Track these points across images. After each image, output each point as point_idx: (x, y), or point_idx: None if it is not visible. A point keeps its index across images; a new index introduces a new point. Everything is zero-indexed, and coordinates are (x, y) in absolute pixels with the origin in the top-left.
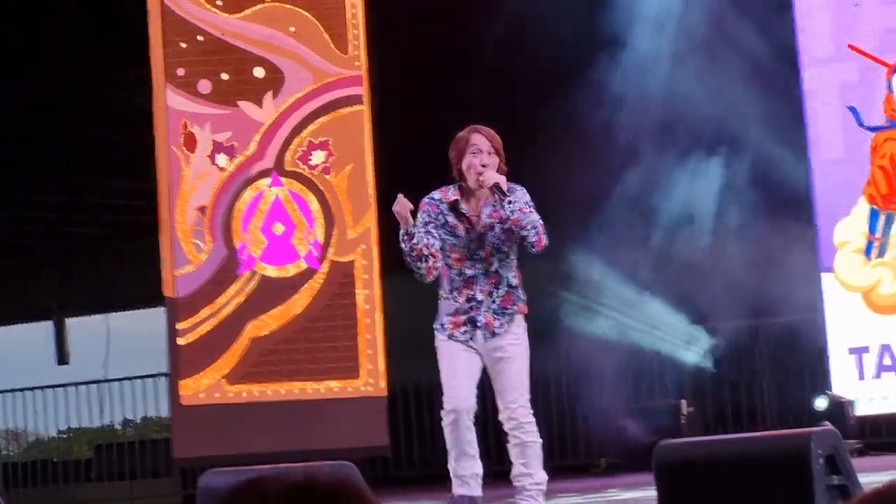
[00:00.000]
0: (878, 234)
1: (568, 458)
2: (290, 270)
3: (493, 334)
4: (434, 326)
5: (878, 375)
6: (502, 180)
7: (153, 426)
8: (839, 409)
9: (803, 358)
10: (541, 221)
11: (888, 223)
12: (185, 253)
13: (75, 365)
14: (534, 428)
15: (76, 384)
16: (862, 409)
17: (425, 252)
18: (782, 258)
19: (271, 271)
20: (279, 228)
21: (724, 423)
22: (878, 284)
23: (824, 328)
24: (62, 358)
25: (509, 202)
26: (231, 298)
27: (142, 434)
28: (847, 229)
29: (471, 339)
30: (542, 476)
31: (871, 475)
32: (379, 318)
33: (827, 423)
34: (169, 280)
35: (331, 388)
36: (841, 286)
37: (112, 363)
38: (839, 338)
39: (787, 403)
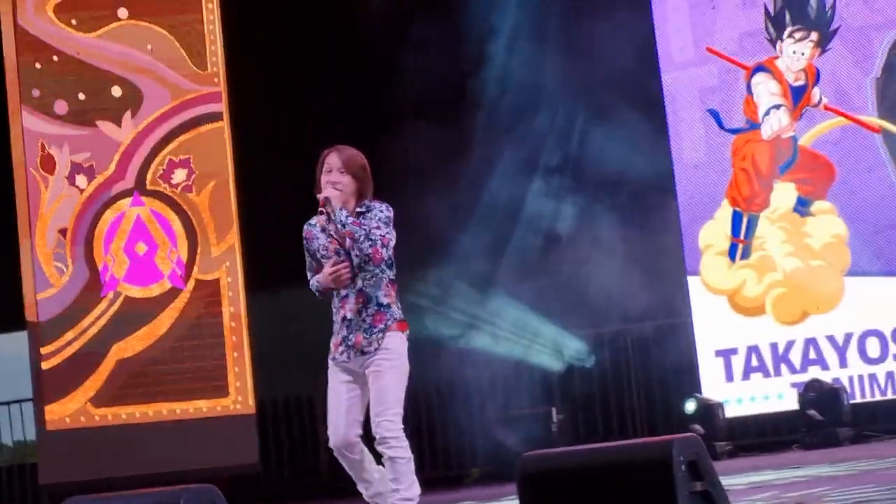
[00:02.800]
0: (741, 237)
1: (440, 468)
2: (155, 290)
3: (362, 353)
4: None
5: (746, 377)
6: (335, 196)
7: (26, 451)
8: (708, 412)
9: (672, 362)
10: (387, 237)
11: (751, 225)
12: (47, 276)
13: None
14: (400, 444)
15: None
16: (731, 410)
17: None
18: (649, 262)
19: (135, 292)
20: (142, 248)
21: (595, 430)
22: (742, 286)
23: (692, 331)
24: None
25: (345, 217)
26: (95, 320)
27: (14, 459)
28: (711, 232)
29: (348, 359)
30: (413, 491)
31: (742, 476)
32: (245, 334)
33: (697, 426)
34: (31, 304)
35: (199, 407)
36: (707, 289)
37: None
38: (707, 341)
39: (657, 408)
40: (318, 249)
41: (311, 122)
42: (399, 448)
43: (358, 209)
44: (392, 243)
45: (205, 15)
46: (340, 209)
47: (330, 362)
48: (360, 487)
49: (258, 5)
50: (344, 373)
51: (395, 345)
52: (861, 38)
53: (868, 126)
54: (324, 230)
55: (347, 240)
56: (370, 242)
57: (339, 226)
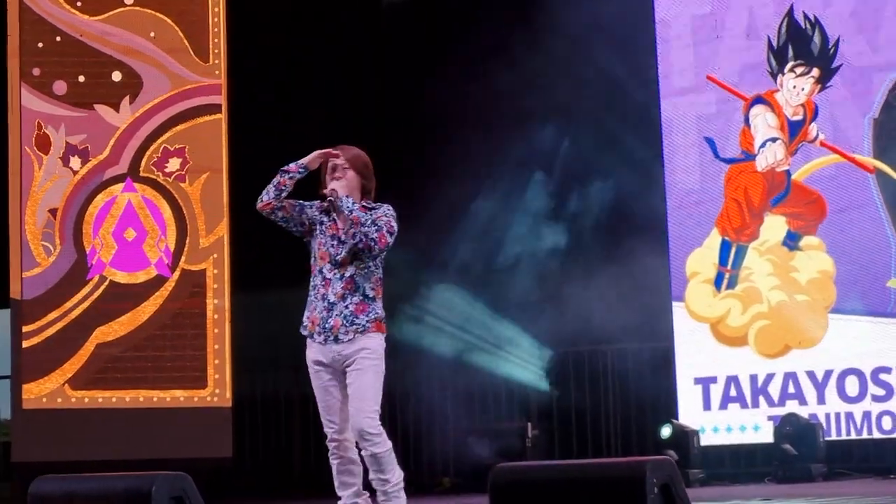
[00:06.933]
0: (728, 266)
1: (411, 473)
2: (140, 277)
3: (336, 340)
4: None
5: (723, 406)
6: (342, 186)
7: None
8: (684, 439)
9: (651, 386)
10: (393, 226)
11: (739, 255)
12: (34, 255)
13: None
14: (380, 438)
15: None
16: (707, 439)
17: (284, 191)
18: (635, 286)
19: (121, 277)
20: (131, 234)
21: (569, 448)
22: (726, 316)
23: (673, 357)
24: None
25: (352, 204)
26: (79, 303)
27: None
28: (699, 260)
29: (324, 342)
30: (398, 475)
31: None
32: (228, 328)
33: (671, 451)
34: (17, 281)
35: (177, 397)
36: (690, 316)
37: None
38: (687, 367)
39: (632, 430)
40: (322, 223)
41: (310, 119)
42: (380, 443)
43: (364, 204)
44: (395, 235)
45: (210, 6)
46: (347, 196)
47: (304, 333)
48: (345, 490)
49: (264, 1)
50: (325, 371)
51: (375, 345)
52: (862, 77)
53: (863, 165)
54: (328, 213)
55: (351, 227)
56: (376, 227)
57: (346, 212)
